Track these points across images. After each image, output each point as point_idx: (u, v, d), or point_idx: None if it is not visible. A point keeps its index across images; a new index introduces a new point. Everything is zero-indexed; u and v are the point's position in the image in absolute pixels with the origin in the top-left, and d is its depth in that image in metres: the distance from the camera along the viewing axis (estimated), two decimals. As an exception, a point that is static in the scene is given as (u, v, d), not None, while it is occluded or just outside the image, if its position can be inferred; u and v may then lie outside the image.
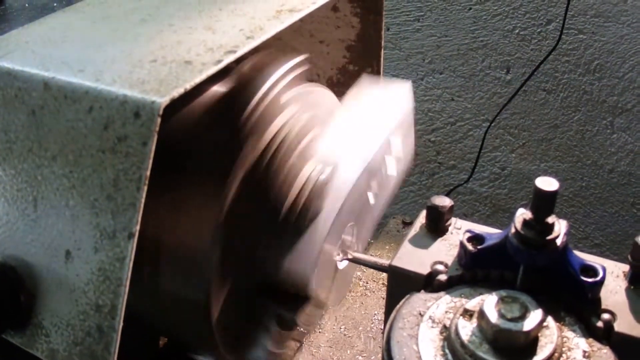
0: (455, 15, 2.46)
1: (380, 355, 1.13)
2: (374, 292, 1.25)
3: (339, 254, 0.83)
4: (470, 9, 2.43)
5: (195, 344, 0.88)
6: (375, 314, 1.20)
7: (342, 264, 0.86)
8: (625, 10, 2.21)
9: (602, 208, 2.38)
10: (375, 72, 1.08)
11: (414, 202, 2.55)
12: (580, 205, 2.39)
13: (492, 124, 2.37)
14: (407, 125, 0.84)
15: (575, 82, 2.34)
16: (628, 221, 2.34)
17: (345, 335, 1.16)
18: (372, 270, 1.29)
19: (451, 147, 2.55)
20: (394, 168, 0.84)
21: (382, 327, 1.17)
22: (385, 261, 0.79)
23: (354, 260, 0.84)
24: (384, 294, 1.24)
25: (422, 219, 0.77)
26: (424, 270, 0.70)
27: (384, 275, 1.27)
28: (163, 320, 0.86)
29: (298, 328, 0.88)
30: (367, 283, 1.27)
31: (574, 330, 0.62)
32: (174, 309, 0.80)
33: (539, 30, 2.34)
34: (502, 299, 0.59)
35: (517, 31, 2.38)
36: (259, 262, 0.79)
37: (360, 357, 1.12)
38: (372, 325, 1.18)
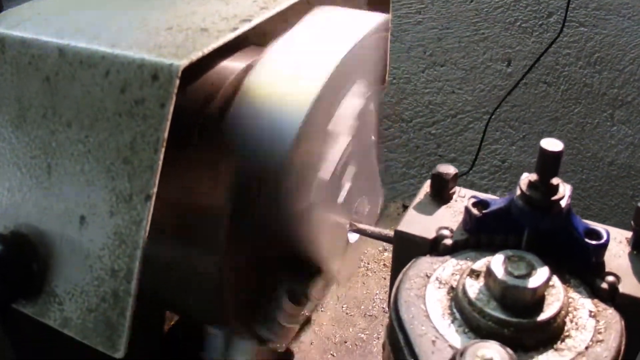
0: (456, 8, 2.47)
1: (382, 333, 1.15)
2: (375, 272, 1.27)
3: (349, 226, 0.84)
4: (472, 1, 2.44)
5: (207, 317, 0.88)
6: (376, 294, 1.21)
7: (353, 237, 0.86)
8: (627, 3, 2.22)
9: (601, 201, 2.39)
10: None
11: (414, 195, 2.56)
12: (580, 198, 2.40)
13: (493, 117, 2.38)
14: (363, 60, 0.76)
15: (575, 74, 2.35)
16: (628, 213, 2.34)
17: (347, 313, 1.17)
18: (373, 251, 1.30)
19: (452, 139, 2.56)
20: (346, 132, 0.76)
21: (384, 307, 1.18)
22: (389, 232, 0.80)
23: (359, 232, 0.85)
24: (385, 275, 1.25)
25: (426, 187, 0.78)
26: (430, 235, 0.71)
27: (385, 255, 1.29)
28: (173, 292, 0.86)
29: (309, 302, 0.89)
30: (368, 264, 1.28)
31: (579, 292, 0.63)
32: (185, 280, 0.80)
33: (540, 22, 2.35)
34: (508, 258, 0.60)
35: (518, 24, 2.39)
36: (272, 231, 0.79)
37: (362, 335, 1.13)
38: (374, 305, 1.19)
